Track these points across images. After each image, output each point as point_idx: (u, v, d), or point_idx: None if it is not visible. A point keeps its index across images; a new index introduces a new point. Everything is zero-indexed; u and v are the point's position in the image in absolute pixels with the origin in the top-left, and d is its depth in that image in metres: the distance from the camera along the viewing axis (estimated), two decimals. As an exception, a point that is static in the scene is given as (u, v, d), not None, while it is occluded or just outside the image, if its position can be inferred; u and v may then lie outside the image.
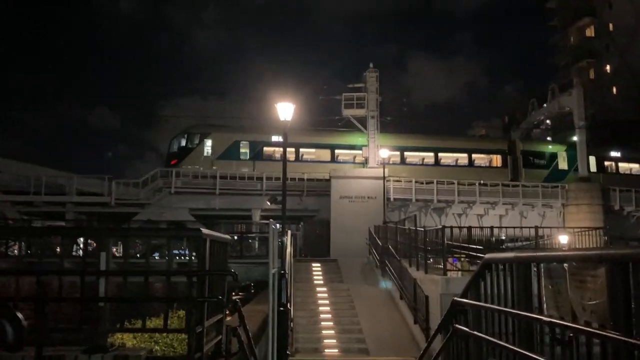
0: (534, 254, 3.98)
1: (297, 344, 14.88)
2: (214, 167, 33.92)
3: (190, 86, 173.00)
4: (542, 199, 34.73)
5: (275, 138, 35.83)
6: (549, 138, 57.17)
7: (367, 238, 26.11)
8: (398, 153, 37.55)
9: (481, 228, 16.33)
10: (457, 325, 5.38)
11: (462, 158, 39.80)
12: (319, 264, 23.67)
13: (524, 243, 22.62)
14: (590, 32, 74.90)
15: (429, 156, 38.99)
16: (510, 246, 36.02)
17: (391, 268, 19.48)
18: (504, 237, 35.46)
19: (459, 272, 13.91)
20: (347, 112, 33.46)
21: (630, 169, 43.88)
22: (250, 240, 31.26)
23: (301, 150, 36.48)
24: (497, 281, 4.84)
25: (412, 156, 38.71)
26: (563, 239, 30.96)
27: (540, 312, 3.90)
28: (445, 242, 14.24)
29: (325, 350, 14.70)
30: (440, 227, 15.24)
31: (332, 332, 15.83)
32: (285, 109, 14.07)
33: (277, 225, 30.37)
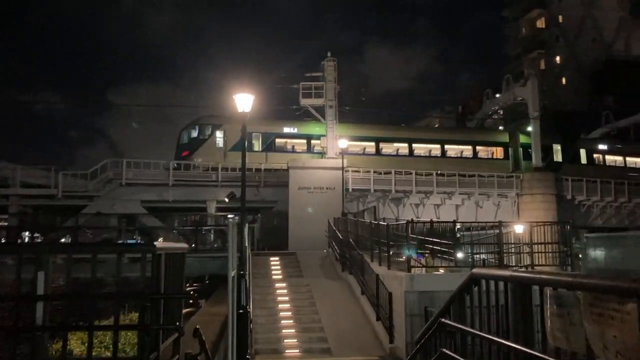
0: (537, 275, 3.51)
1: (257, 345, 14.33)
2: (228, 159, 33.36)
3: (142, 72, 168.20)
4: (498, 188, 35.11)
5: (287, 129, 36.16)
6: (500, 127, 58.14)
7: (326, 230, 25.69)
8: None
9: (450, 222, 15.96)
10: (446, 351, 4.92)
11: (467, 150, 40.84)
12: (277, 258, 23.10)
13: (481, 232, 22.58)
14: (540, 23, 76.42)
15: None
16: (467, 235, 36.61)
17: (352, 262, 19.11)
18: (459, 226, 35.85)
19: (423, 269, 13.60)
20: (305, 102, 32.86)
21: (615, 161, 45.65)
22: (204, 232, 30.40)
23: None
24: (488, 300, 4.38)
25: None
26: (519, 228, 31.50)
27: (545, 347, 3.46)
28: (410, 237, 13.89)
29: (286, 351, 14.19)
30: (405, 221, 14.89)
31: (293, 331, 15.33)
32: (243, 100, 13.35)
33: (236, 216, 29.68)
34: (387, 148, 38.94)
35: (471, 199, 34.86)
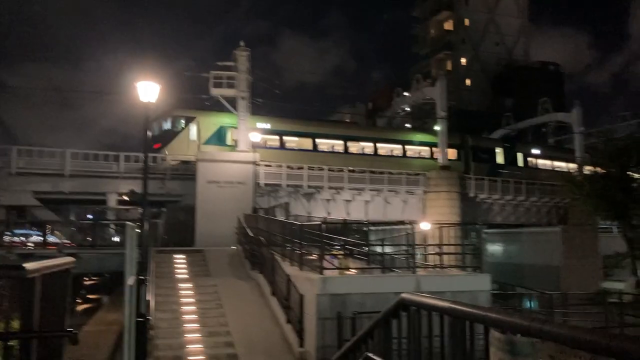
0: (484, 313, 3.05)
1: (158, 352, 13.34)
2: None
3: (40, 53, 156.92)
4: (406, 185, 35.72)
5: (260, 125, 35.44)
6: (407, 125, 59.61)
7: (236, 226, 24.84)
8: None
9: (363, 222, 15.69)
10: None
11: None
12: (183, 256, 21.99)
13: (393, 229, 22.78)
14: (448, 25, 79.04)
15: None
16: (378, 231, 37.07)
17: (262, 261, 18.46)
18: (365, 221, 36.23)
19: (336, 271, 13.21)
20: (216, 92, 31.58)
21: (545, 165, 49.04)
22: (104, 227, 28.59)
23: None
24: (419, 330, 3.91)
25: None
26: (425, 225, 32.18)
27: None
28: (324, 237, 13.44)
29: (190, 358, 13.32)
30: (319, 222, 14.45)
31: (198, 335, 14.47)
32: (148, 89, 12.25)
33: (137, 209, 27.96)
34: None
35: (380, 195, 35.23)
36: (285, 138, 36.99)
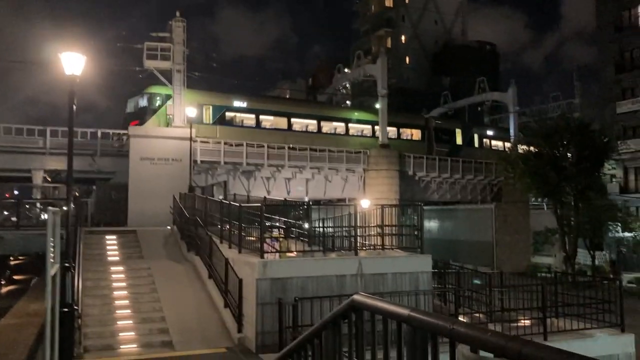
0: (450, 325, 2.65)
1: (87, 341, 12.52)
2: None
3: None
4: (346, 163, 35.57)
5: (237, 103, 36.00)
6: (348, 102, 59.57)
7: (171, 206, 23.88)
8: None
9: (303, 203, 15.26)
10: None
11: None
12: (114, 236, 20.93)
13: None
14: (389, 2, 78.98)
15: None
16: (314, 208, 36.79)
17: (199, 242, 17.74)
18: (306, 199, 35.96)
19: (277, 255, 12.75)
20: (150, 64, 30.07)
21: (497, 146, 50.60)
22: (28, 206, 26.88)
23: None
24: (373, 336, 3.50)
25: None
26: (365, 203, 32.17)
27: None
28: (264, 219, 12.91)
29: (122, 347, 12.58)
30: (260, 203, 13.89)
31: (130, 322, 13.73)
32: (72, 61, 11.20)
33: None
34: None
35: (321, 173, 34.94)
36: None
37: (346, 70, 49.88)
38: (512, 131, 46.72)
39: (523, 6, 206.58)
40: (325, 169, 34.65)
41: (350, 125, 41.23)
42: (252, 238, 13.86)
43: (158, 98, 33.59)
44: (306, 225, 14.75)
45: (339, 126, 41.03)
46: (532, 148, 35.65)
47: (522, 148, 36.94)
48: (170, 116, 31.11)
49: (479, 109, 62.24)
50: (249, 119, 36.87)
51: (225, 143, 30.99)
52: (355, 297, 3.74)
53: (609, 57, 47.37)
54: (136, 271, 16.90)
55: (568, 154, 34.16)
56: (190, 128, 28.81)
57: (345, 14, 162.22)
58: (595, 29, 50.55)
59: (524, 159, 34.66)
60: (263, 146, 32.42)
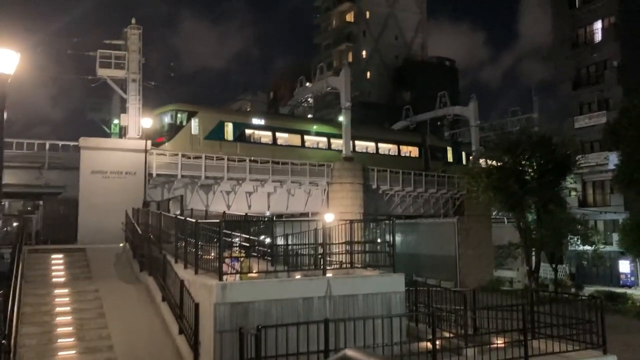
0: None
1: (22, 376, 11.12)
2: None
3: None
4: (310, 177, 34.64)
5: (256, 121, 37.61)
6: (309, 116, 58.94)
7: (123, 222, 22.42)
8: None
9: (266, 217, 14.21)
10: None
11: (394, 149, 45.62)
12: (61, 255, 19.44)
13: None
14: (350, 17, 79.09)
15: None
16: (278, 224, 35.59)
17: (152, 262, 16.43)
18: (268, 214, 34.84)
19: (238, 276, 11.64)
20: (104, 73, 28.61)
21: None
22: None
23: None
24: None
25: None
26: (329, 217, 31.26)
27: None
28: (224, 235, 11.79)
29: (62, 382, 11.23)
30: (220, 220, 12.77)
31: (73, 352, 12.37)
32: (4, 58, 9.91)
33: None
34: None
35: (284, 186, 33.90)
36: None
37: (308, 84, 49.17)
38: (473, 145, 46.78)
39: (482, 23, 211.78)
40: (288, 182, 33.63)
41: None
42: (211, 257, 12.73)
43: (180, 116, 34.34)
44: (269, 242, 13.70)
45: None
46: (494, 162, 35.62)
47: (485, 162, 36.83)
48: (124, 127, 29.59)
49: (439, 123, 62.57)
50: (266, 136, 37.96)
51: (183, 155, 29.62)
52: (348, 352, 2.75)
53: (566, 73, 48.17)
54: (82, 294, 15.47)
55: (531, 168, 34.18)
56: (145, 141, 27.45)
57: (308, 28, 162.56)
58: (553, 45, 51.46)
59: (488, 172, 34.49)
60: (223, 159, 31.20)
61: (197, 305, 11.49)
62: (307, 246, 13.25)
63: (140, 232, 18.97)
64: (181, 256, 14.48)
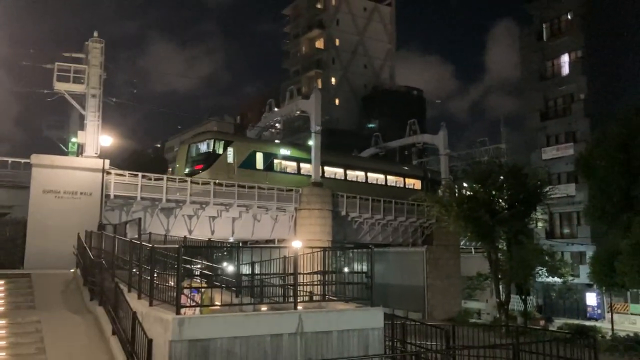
0: None
1: None
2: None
3: None
4: (277, 202, 33.38)
5: (283, 151, 39.21)
6: (277, 141, 57.99)
7: (75, 246, 20.73)
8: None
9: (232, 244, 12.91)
10: None
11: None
12: (2, 282, 17.60)
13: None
14: (319, 44, 79.08)
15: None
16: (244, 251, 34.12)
17: (104, 290, 14.89)
18: (231, 239, 33.35)
19: (198, 309, 10.31)
20: (61, 87, 26.96)
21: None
22: None
23: None
24: None
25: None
26: (296, 244, 30.01)
27: None
28: (182, 265, 10.47)
29: None
30: (179, 245, 11.45)
31: (4, 396, 10.73)
32: None
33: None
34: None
35: (249, 211, 32.51)
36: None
37: (275, 109, 48.19)
38: (442, 174, 46.38)
39: (450, 56, 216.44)
40: (254, 207, 32.25)
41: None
42: (169, 285, 11.37)
43: (217, 144, 35.50)
44: (233, 271, 12.41)
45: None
46: (465, 191, 35.11)
47: (455, 191, 36.25)
48: (81, 144, 27.86)
49: (406, 152, 62.42)
50: (292, 166, 39.35)
51: (143, 176, 28.03)
52: None
53: (534, 104, 48.56)
54: (22, 326, 13.82)
55: (501, 198, 33.76)
56: (103, 160, 25.89)
57: (277, 54, 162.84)
58: (521, 77, 51.99)
59: (459, 201, 33.88)
60: (186, 181, 29.74)
61: (150, 342, 10.06)
62: (276, 276, 12.01)
63: (92, 257, 17.39)
64: (135, 285, 13.05)
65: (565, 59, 47.04)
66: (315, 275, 12.48)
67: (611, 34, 46.07)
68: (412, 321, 15.41)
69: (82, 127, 28.36)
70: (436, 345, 12.70)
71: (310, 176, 37.38)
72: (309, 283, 12.12)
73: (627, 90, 45.26)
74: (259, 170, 36.47)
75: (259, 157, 37.11)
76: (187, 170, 35.05)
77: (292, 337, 10.19)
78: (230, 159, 35.28)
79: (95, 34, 27.96)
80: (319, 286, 11.93)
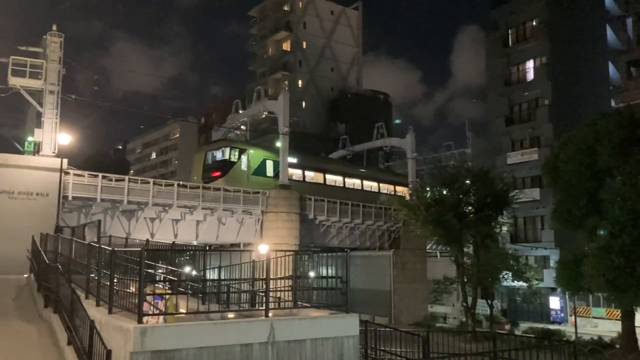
0: None
1: None
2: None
3: None
4: (243, 205, 32.60)
5: (291, 159, 39.16)
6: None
7: (29, 249, 19.59)
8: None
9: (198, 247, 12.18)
10: None
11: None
12: (-53, 288, 16.39)
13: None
14: (286, 46, 78.51)
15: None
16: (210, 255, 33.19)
17: (60, 296, 13.92)
18: (195, 243, 32.41)
19: (161, 318, 9.58)
20: (16, 82, 25.63)
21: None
22: None
23: None
24: None
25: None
26: (263, 248, 29.26)
27: None
28: (145, 270, 9.70)
29: None
30: (141, 248, 10.66)
31: (-56, 414, 9.76)
32: None
33: None
34: None
35: (214, 214, 31.65)
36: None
37: (241, 110, 47.35)
38: (410, 177, 46.32)
39: (417, 62, 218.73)
40: (219, 210, 31.41)
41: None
42: (130, 291, 10.59)
43: (236, 153, 37.68)
44: (200, 276, 11.69)
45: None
46: (433, 194, 34.96)
47: (423, 195, 36.08)
48: (37, 143, 26.55)
49: (372, 156, 62.35)
50: (298, 174, 41.38)
51: (104, 177, 26.90)
52: None
53: (500, 110, 49.07)
54: (-34, 336, 12.74)
55: (469, 202, 33.72)
56: (61, 160, 24.69)
57: (244, 55, 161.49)
58: (487, 82, 52.48)
59: (427, 205, 33.71)
60: (148, 182, 28.71)
61: (109, 353, 9.23)
62: (246, 282, 11.36)
63: (47, 261, 16.36)
64: (94, 291, 12.18)
65: (530, 64, 47.71)
66: (286, 281, 11.88)
67: (573, 40, 46.98)
68: (386, 327, 14.93)
69: (39, 125, 27.06)
70: (412, 352, 12.23)
71: (315, 183, 40.98)
72: (281, 289, 11.49)
73: (589, 96, 46.21)
74: (269, 177, 38.16)
75: (269, 164, 38.82)
76: (203, 177, 37.16)
77: (263, 346, 9.55)
78: (244, 167, 37.50)
79: (54, 27, 26.73)
80: (290, 292, 11.30)
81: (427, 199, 34.36)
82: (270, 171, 38.67)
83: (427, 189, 35.97)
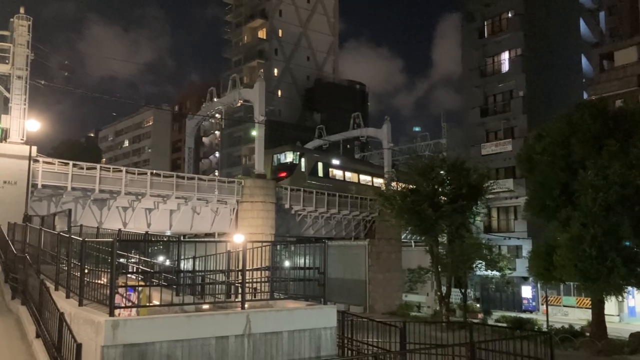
0: None
1: None
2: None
3: None
4: (218, 194, 32.22)
5: (336, 161, 47.52)
6: (217, 132, 56.73)
7: (-4, 239, 18.99)
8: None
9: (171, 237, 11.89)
10: None
11: None
12: None
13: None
14: (262, 34, 77.63)
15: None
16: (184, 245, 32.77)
17: (28, 287, 13.52)
18: (168, 233, 31.97)
19: (134, 310, 9.31)
20: (-18, 66, 24.86)
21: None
22: None
23: None
24: None
25: None
26: (238, 238, 28.97)
27: None
28: (116, 261, 9.40)
29: None
30: (113, 238, 10.34)
31: None
32: None
33: None
34: None
35: (188, 204, 31.19)
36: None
37: (216, 99, 46.75)
38: (386, 167, 46.40)
39: (397, 51, 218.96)
40: (194, 199, 30.97)
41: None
42: (101, 282, 10.28)
43: (295, 156, 43.95)
44: (174, 267, 11.42)
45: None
46: (408, 184, 35.08)
47: (398, 185, 36.19)
48: (4, 129, 25.75)
49: (348, 146, 62.33)
50: (339, 175, 46.96)
51: (74, 165, 26.24)
52: None
53: (475, 100, 49.37)
54: None
55: (444, 192, 33.91)
56: (30, 147, 23.98)
57: (220, 42, 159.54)
58: (462, 73, 52.74)
59: (402, 195, 33.81)
60: (121, 170, 28.13)
61: (79, 347, 8.95)
62: (220, 273, 11.13)
63: (15, 251, 15.88)
64: (63, 282, 11.83)
65: (505, 56, 48.05)
66: (262, 272, 11.70)
67: (548, 33, 47.45)
68: (363, 318, 14.88)
69: (6, 111, 26.25)
70: (388, 343, 12.18)
71: (356, 183, 46.60)
72: (258, 280, 11.30)
73: (563, 88, 46.80)
74: (320, 177, 44.08)
75: (320, 166, 44.96)
76: (271, 177, 40.27)
77: (238, 339, 9.36)
78: (303, 168, 43.29)
79: (22, 10, 25.85)
80: (266, 283, 11.12)
81: (402, 189, 34.49)
82: (320, 172, 44.62)
83: (405, 178, 36.14)
